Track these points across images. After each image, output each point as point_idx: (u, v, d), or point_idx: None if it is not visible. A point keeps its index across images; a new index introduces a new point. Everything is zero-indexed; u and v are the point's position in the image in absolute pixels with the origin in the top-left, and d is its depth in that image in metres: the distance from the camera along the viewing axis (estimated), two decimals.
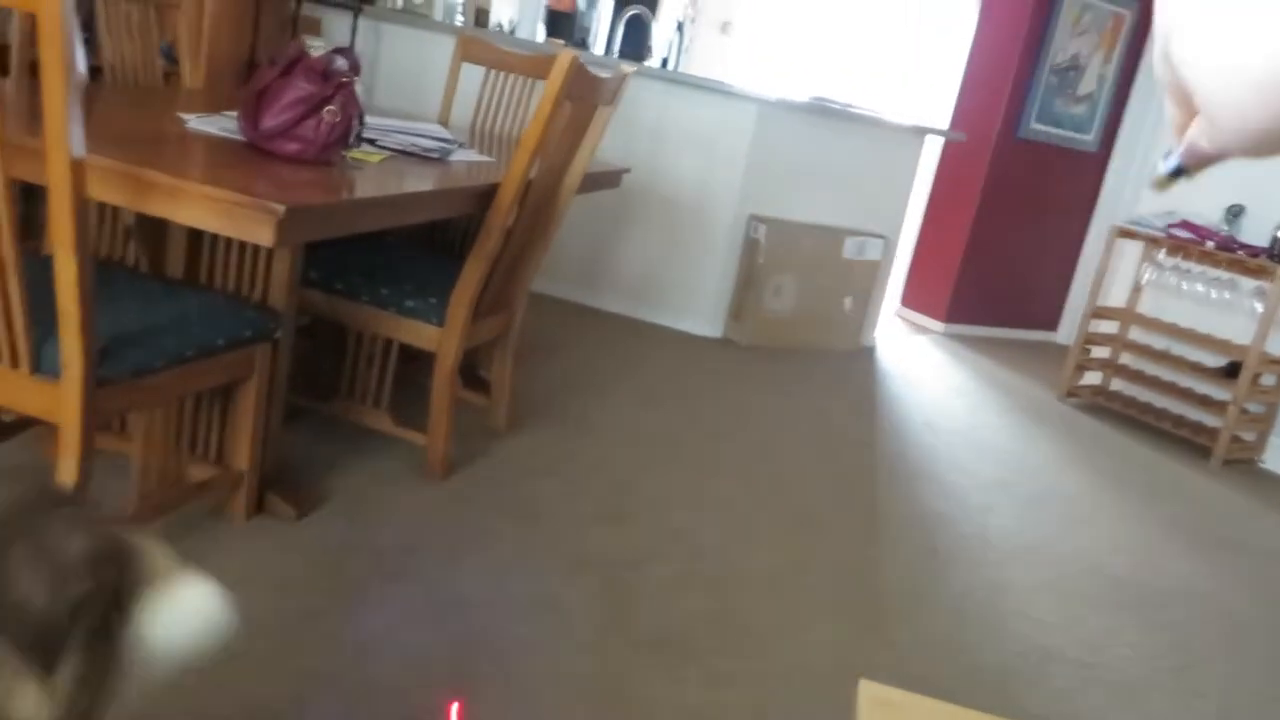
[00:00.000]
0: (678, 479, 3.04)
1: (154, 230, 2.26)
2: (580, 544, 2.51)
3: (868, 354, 5.19)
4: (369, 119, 2.82)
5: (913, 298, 6.44)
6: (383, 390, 2.73)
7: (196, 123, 2.25)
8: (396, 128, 2.78)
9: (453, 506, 2.56)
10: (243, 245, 2.24)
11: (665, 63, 7.06)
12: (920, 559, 2.83)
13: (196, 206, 1.67)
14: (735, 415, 3.76)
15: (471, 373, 3.24)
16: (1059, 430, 4.51)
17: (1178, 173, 0.63)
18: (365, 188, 2.14)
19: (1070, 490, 3.72)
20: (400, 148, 2.62)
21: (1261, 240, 4.52)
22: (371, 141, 2.57)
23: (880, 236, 5.10)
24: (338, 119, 2.13)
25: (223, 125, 2.26)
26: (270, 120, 2.10)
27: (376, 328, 2.63)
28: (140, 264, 2.30)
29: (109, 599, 0.89)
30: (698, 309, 4.85)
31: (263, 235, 1.66)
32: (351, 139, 2.25)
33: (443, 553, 2.33)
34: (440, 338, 2.58)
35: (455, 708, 1.76)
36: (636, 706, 1.92)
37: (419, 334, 2.60)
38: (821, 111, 4.84)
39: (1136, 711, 2.28)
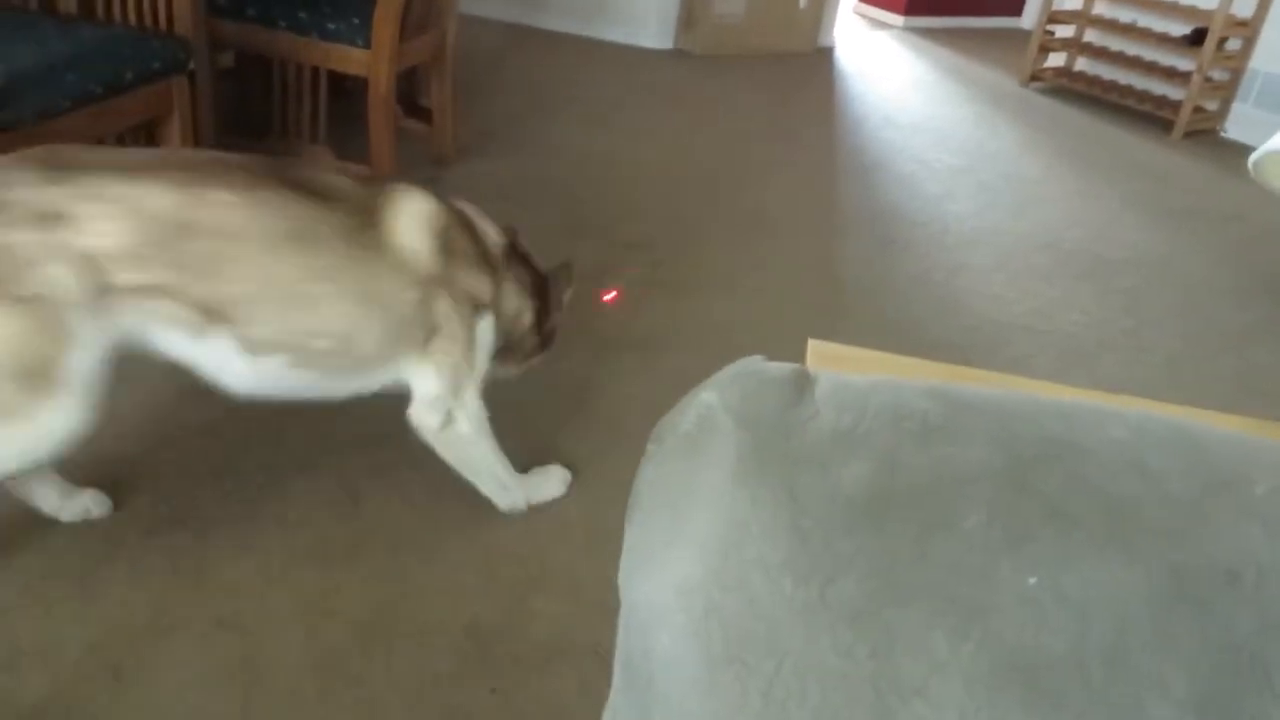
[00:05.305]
0: (632, 194, 2.99)
1: None
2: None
3: (826, 55, 5.01)
4: None
5: None
6: (318, 124, 2.62)
7: None
8: None
9: None
10: None
11: None
12: (877, 249, 2.85)
13: None
14: (689, 126, 3.66)
15: (412, 102, 3.11)
16: (1020, 115, 4.43)
17: None
18: None
19: (1029, 173, 3.70)
20: None
21: None
22: None
23: None
24: None
25: None
26: None
27: (300, 56, 2.48)
28: (30, 2, 2.13)
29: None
30: (646, 20, 4.61)
31: None
32: None
33: None
34: (369, 60, 2.44)
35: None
36: (605, 398, 1.97)
37: (346, 59, 2.46)
38: None
39: (1088, 371, 2.37)
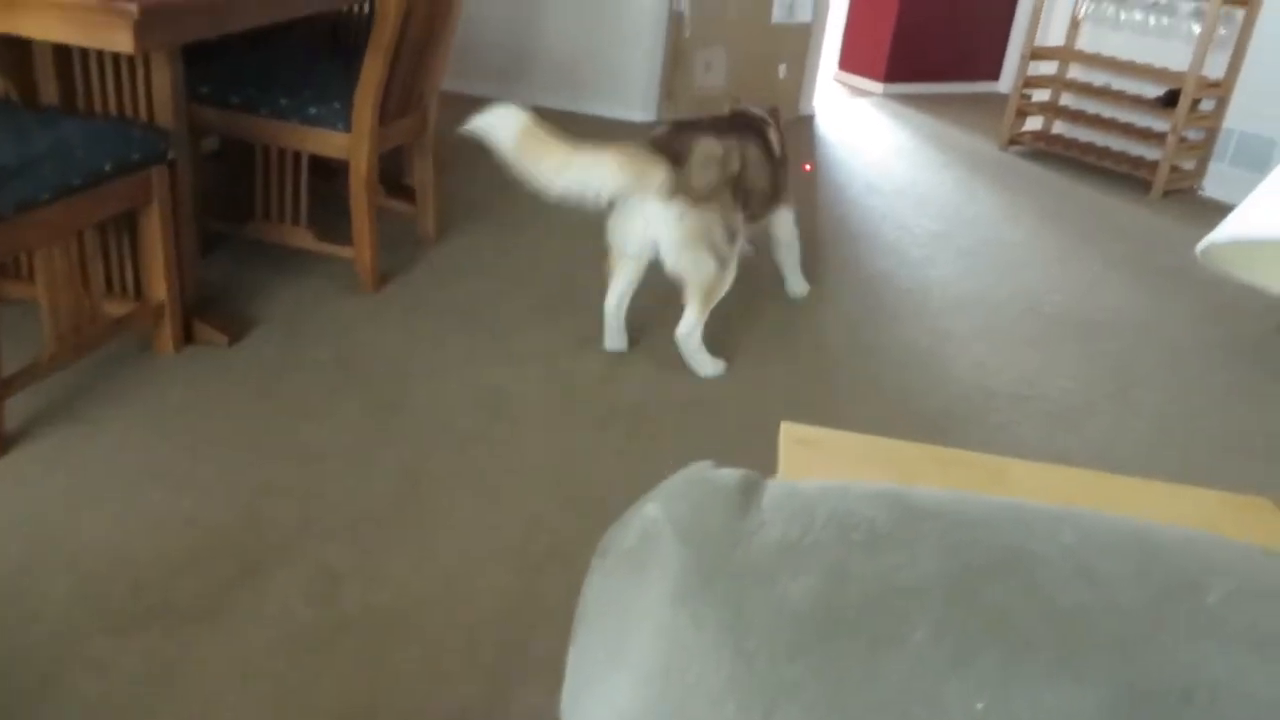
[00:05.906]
0: None
1: (17, 57, 2.09)
2: (522, 338, 2.50)
3: (807, 123, 5.08)
4: None
5: (850, 60, 6.26)
6: (299, 206, 2.64)
7: None
8: None
9: (388, 317, 2.52)
10: (117, 63, 2.09)
11: None
12: (863, 317, 2.85)
13: (42, 16, 1.54)
14: None
15: (396, 182, 3.14)
16: (999, 179, 4.48)
17: None
18: None
19: (1010, 237, 3.73)
20: None
21: None
22: None
23: None
24: None
25: None
26: None
27: (282, 140, 2.51)
28: (10, 95, 2.15)
29: None
30: (628, 93, 4.69)
31: (121, 41, 1.54)
32: None
33: (384, 362, 2.31)
34: (349, 144, 2.47)
35: None
36: (590, 474, 1.96)
37: (326, 142, 2.49)
38: None
39: (1074, 435, 2.36)
